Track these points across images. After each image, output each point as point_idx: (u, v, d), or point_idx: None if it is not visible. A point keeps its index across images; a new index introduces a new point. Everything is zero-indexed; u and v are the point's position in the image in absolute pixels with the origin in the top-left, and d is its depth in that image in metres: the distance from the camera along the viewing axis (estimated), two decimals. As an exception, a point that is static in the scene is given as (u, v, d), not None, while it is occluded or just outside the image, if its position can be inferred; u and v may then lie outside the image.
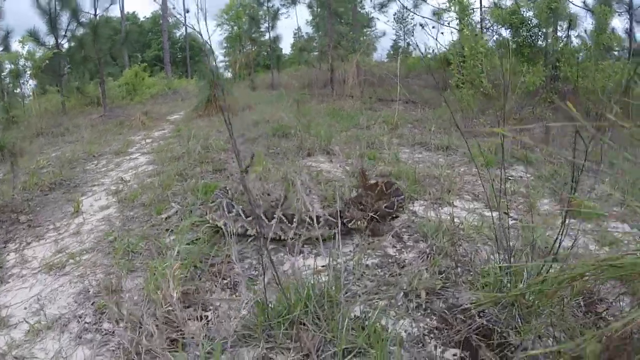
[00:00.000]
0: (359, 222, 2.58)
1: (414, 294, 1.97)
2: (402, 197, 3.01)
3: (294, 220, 2.59)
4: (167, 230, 2.95)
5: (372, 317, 1.74)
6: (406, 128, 6.35)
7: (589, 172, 4.69)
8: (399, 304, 1.93)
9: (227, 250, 2.52)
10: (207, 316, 1.96)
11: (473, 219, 2.85)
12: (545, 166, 4.75)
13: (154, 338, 1.73)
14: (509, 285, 1.89)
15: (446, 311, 1.87)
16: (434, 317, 1.86)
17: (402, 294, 1.98)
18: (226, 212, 2.74)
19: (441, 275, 2.10)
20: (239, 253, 2.52)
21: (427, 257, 2.28)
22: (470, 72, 8.11)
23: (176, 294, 1.99)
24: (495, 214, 3.40)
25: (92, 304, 2.16)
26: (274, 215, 2.62)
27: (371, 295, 1.98)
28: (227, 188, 3.35)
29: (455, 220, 2.68)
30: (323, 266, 2.20)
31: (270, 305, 1.78)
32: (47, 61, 11.92)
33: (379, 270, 2.23)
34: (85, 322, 2.03)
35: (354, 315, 1.82)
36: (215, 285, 2.21)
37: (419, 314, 1.88)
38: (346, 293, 1.96)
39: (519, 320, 1.69)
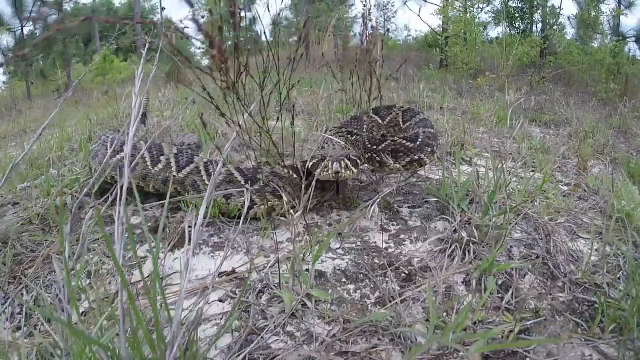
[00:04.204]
0: (345, 167, 1.10)
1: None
2: (433, 131, 1.59)
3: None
4: (13, 204, 1.72)
5: None
6: (388, 92, 5.03)
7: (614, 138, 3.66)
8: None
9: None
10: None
11: (520, 182, 1.55)
12: (566, 128, 3.60)
13: None
14: None
15: None
16: None
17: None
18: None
19: (506, 302, 0.78)
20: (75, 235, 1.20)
21: (464, 251, 0.94)
22: (462, 26, 6.95)
23: None
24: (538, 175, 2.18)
25: None
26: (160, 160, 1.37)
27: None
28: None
29: (485, 183, 1.38)
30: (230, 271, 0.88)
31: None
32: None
33: (351, 286, 0.85)
34: None
35: None
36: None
37: None
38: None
39: None
